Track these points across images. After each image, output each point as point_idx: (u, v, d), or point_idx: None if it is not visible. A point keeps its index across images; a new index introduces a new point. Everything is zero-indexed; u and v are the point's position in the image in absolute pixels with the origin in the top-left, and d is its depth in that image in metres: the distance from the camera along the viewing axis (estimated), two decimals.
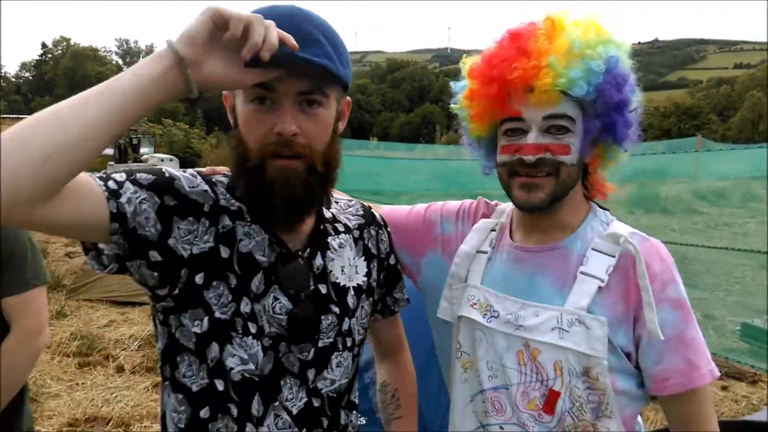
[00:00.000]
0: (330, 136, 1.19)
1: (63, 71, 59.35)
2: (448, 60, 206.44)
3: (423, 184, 14.47)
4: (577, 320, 1.23)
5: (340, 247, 1.33)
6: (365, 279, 1.38)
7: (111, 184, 1.04)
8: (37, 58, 75.97)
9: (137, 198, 1.06)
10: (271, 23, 1.00)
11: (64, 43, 69.61)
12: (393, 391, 1.52)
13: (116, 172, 1.11)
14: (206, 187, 1.18)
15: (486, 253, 1.44)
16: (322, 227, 1.31)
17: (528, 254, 1.35)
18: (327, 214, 1.35)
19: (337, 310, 1.28)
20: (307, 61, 1.06)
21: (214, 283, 1.15)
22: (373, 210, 1.50)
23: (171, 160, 13.99)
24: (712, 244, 9.31)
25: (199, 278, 1.14)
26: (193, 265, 1.14)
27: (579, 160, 1.27)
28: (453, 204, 1.58)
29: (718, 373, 1.26)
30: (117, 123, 0.92)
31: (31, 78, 77.25)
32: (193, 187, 1.16)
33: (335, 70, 1.11)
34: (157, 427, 3.91)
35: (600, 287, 1.24)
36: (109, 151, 14.15)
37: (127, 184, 1.06)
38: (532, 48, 1.24)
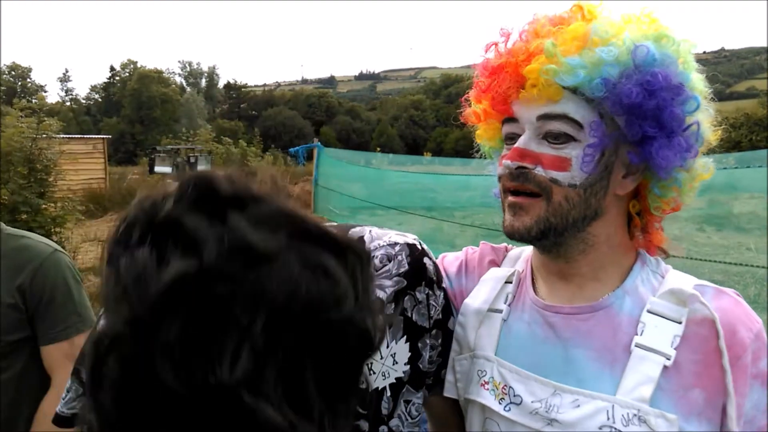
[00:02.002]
0: None
1: (130, 92, 62.03)
2: None
3: (477, 200, 14.18)
4: (636, 416, 0.89)
5: None
6: (409, 366, 1.03)
7: None
8: (106, 80, 79.84)
9: None
10: None
11: (131, 66, 72.86)
12: None
13: None
14: None
15: (500, 312, 1.08)
16: None
17: (560, 317, 1.02)
18: None
19: (366, 426, 0.97)
20: None
21: None
22: (425, 259, 1.07)
23: None
24: None
25: None
26: None
27: (588, 182, 0.96)
28: (452, 256, 1.25)
29: None
30: None
31: (100, 100, 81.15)
32: None
33: None
34: None
35: (665, 366, 0.90)
36: (168, 170, 14.55)
37: None
38: (535, 33, 0.98)
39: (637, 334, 0.94)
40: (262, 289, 0.55)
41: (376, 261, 1.03)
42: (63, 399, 1.06)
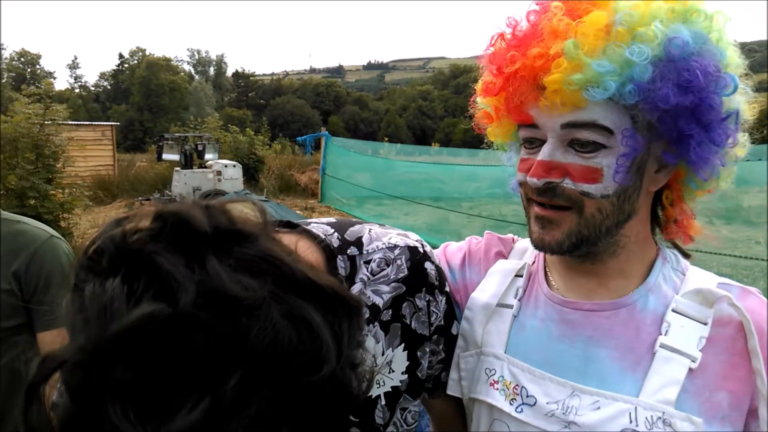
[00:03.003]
0: None
1: (138, 80, 62.12)
2: None
3: (485, 191, 14.13)
4: (661, 419, 0.84)
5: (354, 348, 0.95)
6: (407, 375, 0.97)
7: None
8: (115, 68, 79.95)
9: None
10: None
11: (140, 54, 72.89)
12: None
13: None
14: None
15: (510, 307, 1.02)
16: None
17: (580, 314, 0.96)
18: None
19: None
20: None
21: None
22: (426, 264, 1.00)
23: (234, 166, 14.20)
24: None
25: None
26: None
27: (622, 189, 0.89)
28: (455, 247, 1.18)
29: None
30: None
31: (109, 87, 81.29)
32: None
33: None
34: None
35: (690, 369, 0.86)
36: (175, 157, 14.56)
37: None
38: (548, 27, 0.86)
39: (661, 334, 0.90)
40: (237, 343, 0.52)
41: (374, 265, 0.97)
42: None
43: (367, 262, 0.97)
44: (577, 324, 0.96)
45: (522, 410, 0.94)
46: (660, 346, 0.89)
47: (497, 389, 0.97)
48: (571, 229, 0.91)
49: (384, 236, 1.00)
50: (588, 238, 0.91)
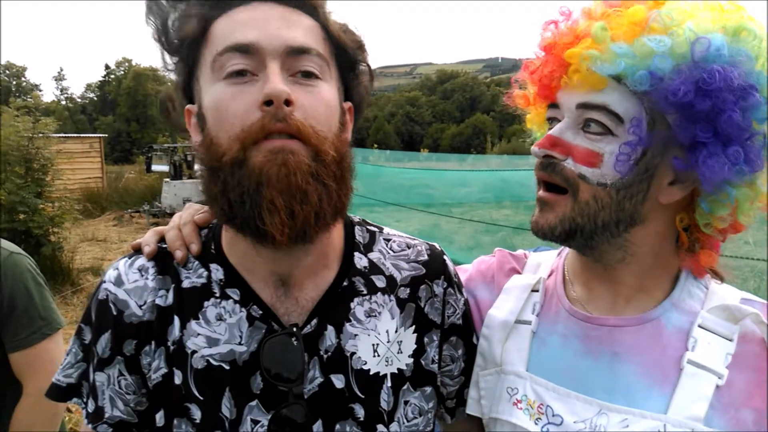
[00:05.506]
0: (337, 125, 0.87)
1: (125, 91, 61.76)
2: (499, 69, 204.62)
3: (475, 196, 14.18)
4: None
5: (369, 316, 0.94)
6: (412, 360, 0.98)
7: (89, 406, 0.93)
8: (101, 79, 79.43)
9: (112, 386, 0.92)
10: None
11: (126, 64, 72.52)
12: None
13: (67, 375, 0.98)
14: (153, 284, 0.93)
15: (529, 324, 1.01)
16: (346, 283, 0.95)
17: (604, 329, 0.95)
18: (360, 262, 0.97)
19: (361, 413, 0.92)
20: None
21: (175, 421, 0.88)
22: (446, 258, 1.08)
23: None
24: None
25: (159, 418, 0.89)
26: (155, 401, 0.90)
27: (623, 183, 0.88)
28: (460, 269, 1.17)
29: None
30: None
31: (95, 98, 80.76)
32: (142, 304, 0.92)
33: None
34: None
35: (718, 386, 0.86)
36: (165, 168, 14.49)
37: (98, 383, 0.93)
38: (588, 14, 0.90)
39: (687, 350, 0.89)
40: None
41: (394, 245, 1.03)
42: (61, 365, 0.99)
43: (387, 240, 1.02)
44: (602, 340, 0.94)
45: (548, 430, 0.92)
46: (687, 362, 0.88)
47: (521, 408, 0.96)
48: (565, 214, 0.91)
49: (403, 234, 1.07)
50: (582, 228, 0.91)
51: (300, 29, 0.86)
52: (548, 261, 1.11)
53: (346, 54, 0.91)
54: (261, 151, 0.79)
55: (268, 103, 0.79)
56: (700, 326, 0.90)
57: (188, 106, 0.94)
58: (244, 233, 0.85)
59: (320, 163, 0.82)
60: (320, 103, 0.84)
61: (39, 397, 1.60)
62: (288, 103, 0.80)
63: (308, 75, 0.84)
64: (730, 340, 0.88)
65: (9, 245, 1.75)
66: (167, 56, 0.93)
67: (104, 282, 0.97)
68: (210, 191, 0.86)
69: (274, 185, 0.79)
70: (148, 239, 1.01)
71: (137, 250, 1.00)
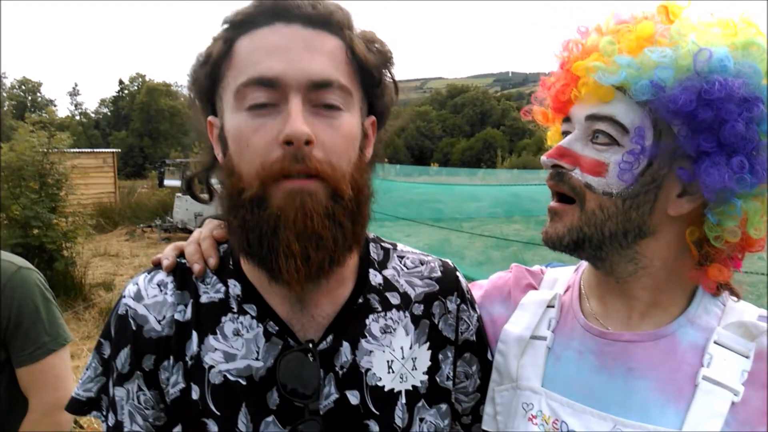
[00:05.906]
0: (357, 154, 0.88)
1: (139, 106, 62.47)
2: (509, 83, 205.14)
3: (485, 210, 14.16)
4: None
5: (384, 332, 0.95)
6: (427, 377, 0.99)
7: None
8: (115, 94, 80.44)
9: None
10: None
11: (140, 80, 73.39)
12: None
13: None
14: (172, 299, 0.94)
15: (544, 339, 1.01)
16: (361, 300, 0.96)
17: (619, 345, 0.95)
18: (375, 279, 0.99)
19: (376, 429, 0.92)
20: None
21: None
22: (459, 275, 1.09)
23: None
24: None
25: None
26: (173, 416, 0.91)
27: (629, 193, 0.89)
28: (476, 285, 1.18)
29: None
30: None
31: (109, 113, 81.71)
32: (161, 319, 0.93)
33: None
34: None
35: (733, 402, 0.85)
36: (177, 183, 14.60)
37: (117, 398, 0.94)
38: (598, 30, 0.93)
39: (703, 366, 0.89)
40: None
41: (408, 261, 1.05)
42: (81, 379, 1.01)
43: (401, 257, 1.04)
44: (617, 355, 0.95)
45: None
46: (702, 378, 0.88)
47: (536, 424, 0.96)
48: (573, 223, 0.93)
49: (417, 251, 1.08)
50: (590, 238, 0.92)
51: (323, 57, 0.86)
52: (565, 277, 1.11)
53: (370, 72, 0.91)
54: (280, 190, 0.82)
55: (289, 142, 0.81)
56: (716, 342, 0.90)
57: (210, 118, 0.96)
58: (260, 270, 0.88)
59: (337, 202, 0.84)
60: (340, 136, 0.85)
61: (44, 413, 1.63)
62: (308, 142, 0.81)
63: (330, 107, 0.86)
64: (747, 357, 0.88)
65: (18, 260, 1.75)
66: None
67: (124, 297, 0.98)
68: (230, 222, 0.88)
69: (291, 228, 0.81)
70: (167, 254, 1.03)
71: (157, 265, 1.02)
